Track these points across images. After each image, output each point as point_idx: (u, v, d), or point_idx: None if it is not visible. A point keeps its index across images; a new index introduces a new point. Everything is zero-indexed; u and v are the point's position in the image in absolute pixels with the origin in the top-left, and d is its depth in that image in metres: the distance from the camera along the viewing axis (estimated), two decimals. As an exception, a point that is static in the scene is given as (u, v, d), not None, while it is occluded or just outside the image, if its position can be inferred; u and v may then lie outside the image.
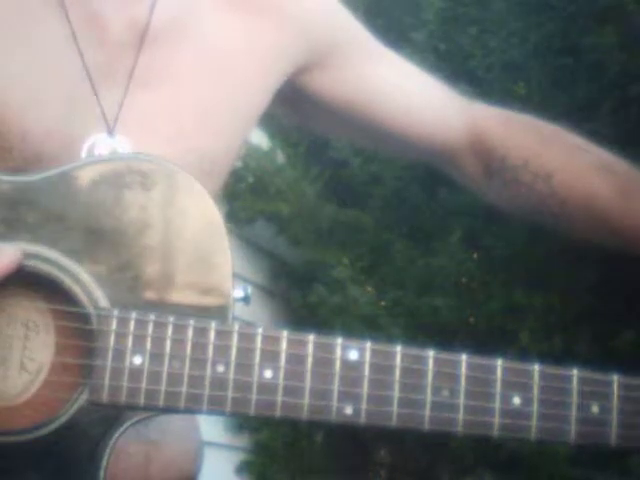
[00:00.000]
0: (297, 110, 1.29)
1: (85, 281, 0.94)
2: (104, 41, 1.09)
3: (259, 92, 1.16)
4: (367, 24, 1.30)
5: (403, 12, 4.26)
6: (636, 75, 3.87)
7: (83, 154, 1.04)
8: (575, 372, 0.95)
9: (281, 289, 4.53)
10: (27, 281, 0.92)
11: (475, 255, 4.28)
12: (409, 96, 1.29)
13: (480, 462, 3.99)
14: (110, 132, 1.05)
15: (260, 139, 4.40)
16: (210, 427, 4.09)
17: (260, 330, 0.93)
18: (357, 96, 1.25)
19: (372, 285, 4.40)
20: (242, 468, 4.37)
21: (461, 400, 0.92)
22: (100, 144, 1.05)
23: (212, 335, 0.92)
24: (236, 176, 4.29)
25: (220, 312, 0.94)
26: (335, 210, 4.43)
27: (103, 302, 0.93)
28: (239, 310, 0.96)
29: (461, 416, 0.93)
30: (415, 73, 1.33)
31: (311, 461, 4.39)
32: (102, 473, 0.91)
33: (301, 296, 4.29)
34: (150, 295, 0.94)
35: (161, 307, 0.94)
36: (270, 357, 0.92)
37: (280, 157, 4.58)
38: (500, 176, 1.25)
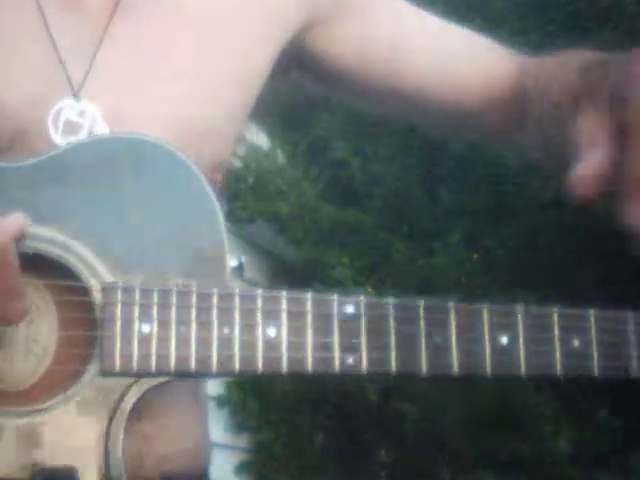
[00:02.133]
0: (318, 78, 1.22)
1: (88, 258, 0.97)
2: (73, 9, 1.07)
3: (259, 56, 1.12)
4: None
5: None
6: (636, 75, 3.87)
7: (50, 121, 1.04)
8: (555, 309, 1.02)
9: (280, 289, 4.53)
10: (27, 263, 0.93)
11: (475, 255, 4.29)
12: (440, 42, 1.27)
13: (480, 462, 4.00)
14: (76, 96, 1.05)
15: (260, 139, 4.41)
16: (210, 427, 4.09)
17: (260, 291, 0.98)
18: (375, 51, 1.20)
19: (372, 285, 4.41)
20: (242, 468, 4.38)
21: (453, 343, 0.99)
22: (66, 109, 1.05)
23: (215, 299, 0.96)
24: (236, 176, 4.30)
25: (218, 280, 0.98)
26: (335, 210, 4.44)
27: (106, 277, 0.96)
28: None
29: (455, 359, 0.99)
30: (445, 24, 1.31)
31: (311, 461, 4.40)
32: (120, 444, 0.93)
33: (301, 296, 4.29)
34: (150, 269, 0.97)
35: (162, 281, 0.97)
36: (272, 316, 0.97)
37: (280, 157, 4.59)
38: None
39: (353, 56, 1.18)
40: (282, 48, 1.13)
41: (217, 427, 4.13)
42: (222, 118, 1.09)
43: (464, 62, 1.25)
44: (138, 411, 0.95)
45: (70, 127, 1.04)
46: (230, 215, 4.12)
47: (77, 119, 1.04)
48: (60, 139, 1.03)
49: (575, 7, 4.16)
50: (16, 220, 0.92)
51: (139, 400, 0.94)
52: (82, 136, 1.04)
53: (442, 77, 1.23)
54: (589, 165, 0.82)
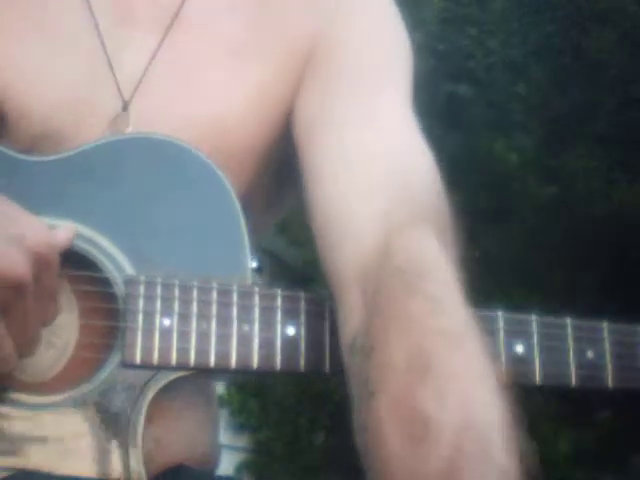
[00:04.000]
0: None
1: (111, 252, 0.99)
2: (126, 20, 1.10)
3: (283, 93, 1.11)
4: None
5: (403, 12, 4.26)
6: (636, 75, 3.88)
7: (96, 129, 1.06)
8: (569, 320, 1.03)
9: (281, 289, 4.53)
10: None
11: (475, 255, 4.29)
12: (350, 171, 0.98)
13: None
14: (125, 108, 1.07)
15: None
16: (210, 427, 4.10)
17: (279, 291, 0.99)
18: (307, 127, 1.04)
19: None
20: (242, 468, 4.38)
21: None
22: (114, 118, 1.07)
23: (235, 296, 0.98)
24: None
25: (239, 280, 1.00)
26: (335, 210, 4.43)
27: (129, 271, 0.98)
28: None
29: None
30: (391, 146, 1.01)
31: (311, 461, 4.40)
32: (140, 436, 0.94)
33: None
34: (172, 266, 0.99)
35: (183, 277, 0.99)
36: (291, 315, 0.99)
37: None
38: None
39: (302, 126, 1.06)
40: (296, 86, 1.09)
41: (217, 427, 4.13)
42: (247, 146, 1.09)
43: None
44: (150, 412, 0.96)
45: (109, 136, 1.05)
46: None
47: (122, 128, 1.06)
48: None
49: (575, 7, 4.16)
50: (66, 234, 0.94)
51: (155, 398, 0.95)
52: None
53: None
54: None
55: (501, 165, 4.20)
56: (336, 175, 0.98)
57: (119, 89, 1.07)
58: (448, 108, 4.41)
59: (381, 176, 0.96)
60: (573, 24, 4.15)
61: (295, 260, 4.54)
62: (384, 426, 0.77)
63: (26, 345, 0.90)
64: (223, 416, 4.29)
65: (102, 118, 1.06)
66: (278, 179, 1.14)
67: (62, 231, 0.94)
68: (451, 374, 0.78)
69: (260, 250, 4.72)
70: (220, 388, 4.23)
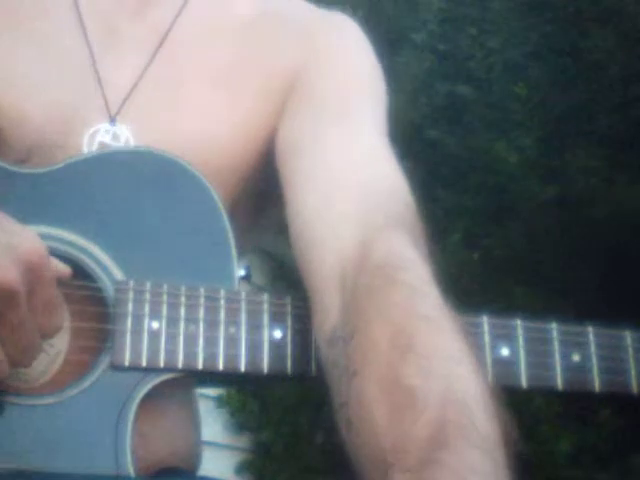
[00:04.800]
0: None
1: (103, 260, 1.00)
2: (116, 38, 1.13)
3: (265, 120, 1.14)
4: (367, 24, 1.27)
5: (403, 12, 4.27)
6: (636, 75, 3.88)
7: (85, 141, 1.08)
8: (554, 324, 1.05)
9: (281, 289, 4.54)
10: None
11: (475, 255, 4.29)
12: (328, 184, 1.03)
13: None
14: (112, 120, 1.09)
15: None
16: (210, 427, 4.10)
17: (266, 296, 1.02)
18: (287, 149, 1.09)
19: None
20: (242, 468, 4.38)
21: None
22: (101, 132, 1.09)
23: (222, 301, 0.99)
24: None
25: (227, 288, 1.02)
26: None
27: (119, 277, 1.00)
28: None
29: None
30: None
31: (311, 461, 4.40)
32: (129, 437, 0.95)
33: (301, 296, 4.29)
34: (161, 277, 1.00)
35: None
36: (278, 318, 1.01)
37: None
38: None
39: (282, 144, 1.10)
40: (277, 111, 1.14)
41: (217, 427, 4.13)
42: (229, 164, 1.12)
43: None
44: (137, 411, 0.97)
45: (103, 149, 1.08)
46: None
47: (111, 142, 1.08)
48: None
49: (575, 7, 4.16)
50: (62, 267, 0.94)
51: (146, 396, 0.96)
52: None
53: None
54: None
55: (501, 165, 4.21)
56: (316, 186, 1.03)
57: (106, 104, 1.09)
58: (448, 108, 4.42)
59: (358, 188, 1.01)
60: (573, 24, 4.16)
61: (295, 260, 4.54)
62: (368, 398, 0.80)
63: (20, 355, 0.90)
64: (223, 416, 4.29)
65: (91, 131, 1.08)
66: (260, 200, 1.18)
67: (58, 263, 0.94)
68: (433, 352, 0.80)
69: (260, 250, 4.72)
70: (220, 388, 4.24)
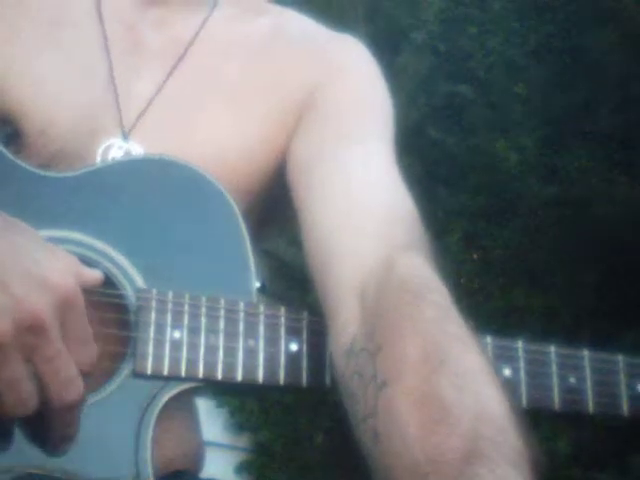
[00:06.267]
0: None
1: (124, 266, 1.01)
2: (137, 51, 1.14)
3: (275, 138, 1.15)
4: (367, 24, 1.27)
5: (403, 12, 4.27)
6: (636, 75, 3.88)
7: (99, 155, 1.10)
8: (552, 347, 1.07)
9: (281, 289, 4.54)
10: None
11: (475, 255, 4.29)
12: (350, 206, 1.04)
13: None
14: (125, 137, 1.10)
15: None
16: (210, 427, 4.10)
17: (283, 310, 1.03)
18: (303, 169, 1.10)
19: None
20: (242, 468, 4.38)
21: None
22: (114, 147, 1.11)
23: (242, 313, 1.01)
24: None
25: (245, 299, 1.03)
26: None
27: (140, 283, 1.01)
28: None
29: None
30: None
31: (311, 461, 4.40)
32: (149, 445, 0.96)
33: (301, 296, 4.30)
34: (179, 284, 1.01)
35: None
36: (294, 332, 1.02)
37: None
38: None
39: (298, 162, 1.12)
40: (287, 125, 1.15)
41: (217, 427, 4.13)
42: (240, 183, 1.13)
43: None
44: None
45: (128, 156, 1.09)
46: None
47: (123, 158, 1.09)
48: None
49: (575, 7, 4.16)
50: (93, 277, 0.93)
51: (161, 409, 0.97)
52: None
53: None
54: None
55: (501, 165, 4.21)
56: (334, 202, 1.05)
57: (121, 120, 1.10)
58: (448, 108, 4.42)
59: (378, 207, 1.03)
60: (573, 24, 4.16)
61: (295, 260, 4.54)
62: (400, 410, 0.79)
63: (61, 390, 0.87)
64: (223, 416, 4.29)
65: (105, 146, 1.10)
66: (265, 213, 1.21)
67: (89, 274, 0.93)
68: (464, 370, 0.81)
69: (260, 250, 4.71)
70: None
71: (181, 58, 1.13)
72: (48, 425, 0.89)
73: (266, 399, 4.37)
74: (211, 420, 4.09)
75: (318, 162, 1.09)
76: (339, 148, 1.10)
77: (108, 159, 1.08)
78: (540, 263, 4.10)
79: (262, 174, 1.14)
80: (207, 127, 1.12)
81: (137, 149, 1.10)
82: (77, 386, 0.88)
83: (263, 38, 1.18)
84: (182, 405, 1.08)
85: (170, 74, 1.12)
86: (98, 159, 1.08)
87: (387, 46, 3.74)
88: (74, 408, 0.89)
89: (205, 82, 1.14)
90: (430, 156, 4.35)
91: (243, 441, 4.42)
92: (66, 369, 0.87)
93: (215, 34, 1.16)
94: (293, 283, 4.79)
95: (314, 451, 4.42)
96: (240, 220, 1.05)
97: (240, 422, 4.36)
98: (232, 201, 1.05)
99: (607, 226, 3.92)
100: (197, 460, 1.14)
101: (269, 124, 1.14)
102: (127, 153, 1.09)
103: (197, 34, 1.15)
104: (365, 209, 1.03)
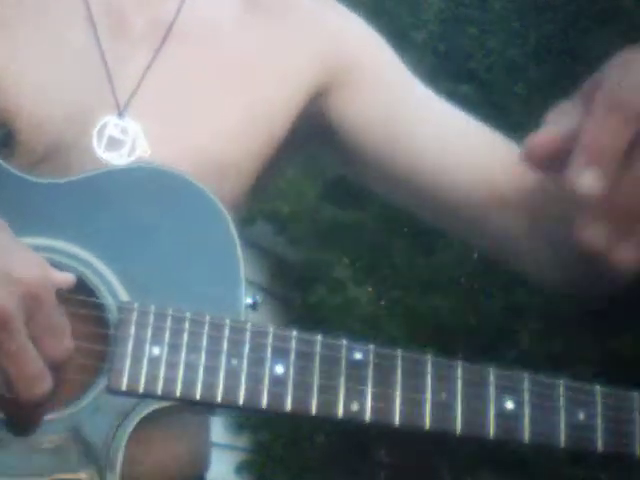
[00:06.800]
0: (335, 149, 1.18)
1: (107, 277, 0.99)
2: (124, 33, 1.13)
3: (281, 110, 1.15)
4: (367, 24, 1.27)
5: (403, 12, 4.26)
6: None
7: (94, 135, 1.08)
8: (562, 381, 1.03)
9: (281, 289, 4.54)
10: None
11: (475, 255, 4.29)
12: (449, 135, 1.16)
13: (480, 462, 4.00)
14: (120, 114, 1.09)
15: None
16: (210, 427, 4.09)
17: (271, 329, 0.99)
18: (384, 126, 1.12)
19: (372, 285, 4.40)
20: (242, 468, 4.38)
21: (458, 401, 0.99)
22: (110, 125, 1.09)
23: (227, 330, 0.97)
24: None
25: (232, 315, 1.00)
26: (335, 210, 4.44)
27: (123, 296, 0.98)
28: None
29: (459, 417, 0.99)
30: (456, 113, 1.19)
31: (311, 461, 4.40)
32: (120, 462, 0.94)
33: (301, 296, 4.30)
34: (165, 297, 0.98)
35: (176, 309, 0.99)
36: (281, 353, 0.98)
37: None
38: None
39: (376, 121, 1.15)
40: (299, 110, 1.14)
41: (217, 427, 4.13)
42: (244, 156, 1.12)
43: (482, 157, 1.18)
44: (136, 436, 0.96)
45: (113, 143, 1.07)
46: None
47: (120, 136, 1.08)
48: (103, 154, 1.07)
49: (575, 7, 4.16)
50: (64, 277, 0.90)
51: (139, 423, 0.95)
52: (124, 152, 1.07)
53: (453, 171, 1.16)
54: (542, 135, 0.80)
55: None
56: (449, 139, 1.16)
57: (115, 97, 1.09)
58: (448, 108, 4.41)
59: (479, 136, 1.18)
60: (573, 24, 4.16)
61: (295, 260, 4.54)
62: None
63: (27, 386, 0.85)
64: (223, 416, 4.29)
65: (100, 125, 1.08)
66: (258, 181, 1.18)
67: (59, 275, 0.90)
68: None
69: (260, 250, 4.72)
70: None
71: (166, 35, 1.12)
72: (12, 417, 0.88)
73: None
74: (211, 420, 4.08)
75: (398, 113, 1.14)
76: (411, 94, 1.16)
77: (104, 139, 1.06)
78: (540, 263, 4.09)
79: (267, 148, 1.13)
80: (203, 103, 1.11)
81: (133, 125, 1.08)
82: (44, 382, 0.86)
83: (250, 13, 1.16)
84: (182, 418, 1.06)
85: (158, 51, 1.11)
86: (94, 143, 1.06)
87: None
88: (40, 404, 0.88)
89: (196, 57, 1.13)
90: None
91: (243, 441, 4.42)
92: (32, 364, 0.86)
93: (200, 8, 1.15)
94: (293, 283, 4.79)
95: (314, 451, 4.42)
96: (233, 233, 1.02)
97: (240, 422, 4.36)
98: (226, 213, 1.02)
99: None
100: (202, 462, 1.13)
101: (272, 98, 1.13)
102: (123, 131, 1.07)
103: (180, 9, 1.14)
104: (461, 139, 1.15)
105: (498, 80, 4.29)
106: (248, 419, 4.36)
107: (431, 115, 1.16)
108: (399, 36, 3.93)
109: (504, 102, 4.28)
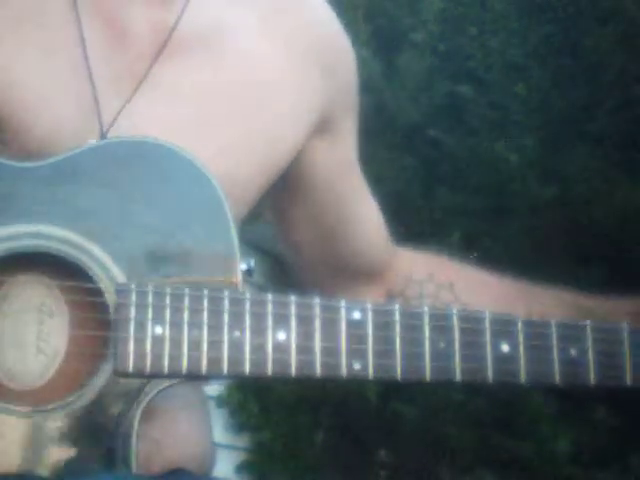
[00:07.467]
0: (284, 184, 1.21)
1: (101, 259, 1.00)
2: (118, 46, 1.12)
3: (288, 126, 1.15)
4: (367, 24, 1.26)
5: (403, 12, 4.26)
6: (636, 75, 3.88)
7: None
8: (553, 321, 1.07)
9: (281, 289, 4.52)
10: (41, 264, 0.95)
11: (475, 255, 4.29)
12: (365, 203, 1.36)
13: (480, 462, 4.00)
14: (103, 136, 1.09)
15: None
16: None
17: (270, 296, 1.02)
18: (335, 174, 1.25)
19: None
20: (242, 468, 4.38)
21: (456, 350, 1.02)
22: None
23: (226, 303, 0.99)
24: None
25: (229, 284, 1.02)
26: (335, 210, 4.42)
27: (120, 278, 0.99)
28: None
29: (458, 365, 1.02)
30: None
31: (311, 461, 4.40)
32: (133, 447, 0.95)
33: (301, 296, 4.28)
34: (163, 273, 1.00)
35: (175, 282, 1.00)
36: (281, 320, 1.01)
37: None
38: (404, 294, 1.18)
39: (334, 177, 1.27)
40: (307, 133, 1.16)
41: (217, 427, 4.13)
42: (247, 175, 1.13)
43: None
44: (148, 415, 0.96)
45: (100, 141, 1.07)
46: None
47: (97, 142, 1.08)
48: None
49: (575, 7, 4.16)
50: None
51: (149, 404, 0.95)
52: None
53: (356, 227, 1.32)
54: None
55: (501, 165, 4.20)
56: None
57: (100, 120, 1.09)
58: (448, 108, 4.41)
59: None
60: (573, 24, 4.15)
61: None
62: None
63: None
64: (223, 416, 4.28)
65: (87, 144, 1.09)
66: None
67: None
68: None
69: (260, 250, 4.71)
70: (220, 388, 4.23)
71: (162, 49, 1.11)
72: None
73: (266, 399, 4.37)
74: (211, 420, 4.08)
75: (343, 177, 1.32)
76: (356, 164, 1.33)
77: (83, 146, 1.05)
78: (540, 263, 4.09)
79: (271, 165, 1.13)
80: (188, 127, 1.10)
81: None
82: None
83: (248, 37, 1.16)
84: (188, 403, 1.07)
85: (151, 67, 1.10)
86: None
87: (387, 46, 3.74)
88: None
89: (195, 72, 1.12)
90: (430, 156, 4.34)
91: (243, 441, 4.42)
92: None
93: (198, 19, 1.14)
94: (294, 283, 4.77)
95: (314, 451, 4.42)
96: (223, 201, 1.02)
97: (240, 422, 4.35)
98: (215, 182, 1.02)
99: (607, 226, 3.91)
100: (206, 460, 1.13)
101: (252, 115, 1.12)
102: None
103: (180, 18, 1.13)
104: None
105: (498, 80, 4.29)
106: (248, 419, 4.36)
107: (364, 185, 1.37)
108: (399, 36, 3.94)
109: (504, 102, 4.27)
